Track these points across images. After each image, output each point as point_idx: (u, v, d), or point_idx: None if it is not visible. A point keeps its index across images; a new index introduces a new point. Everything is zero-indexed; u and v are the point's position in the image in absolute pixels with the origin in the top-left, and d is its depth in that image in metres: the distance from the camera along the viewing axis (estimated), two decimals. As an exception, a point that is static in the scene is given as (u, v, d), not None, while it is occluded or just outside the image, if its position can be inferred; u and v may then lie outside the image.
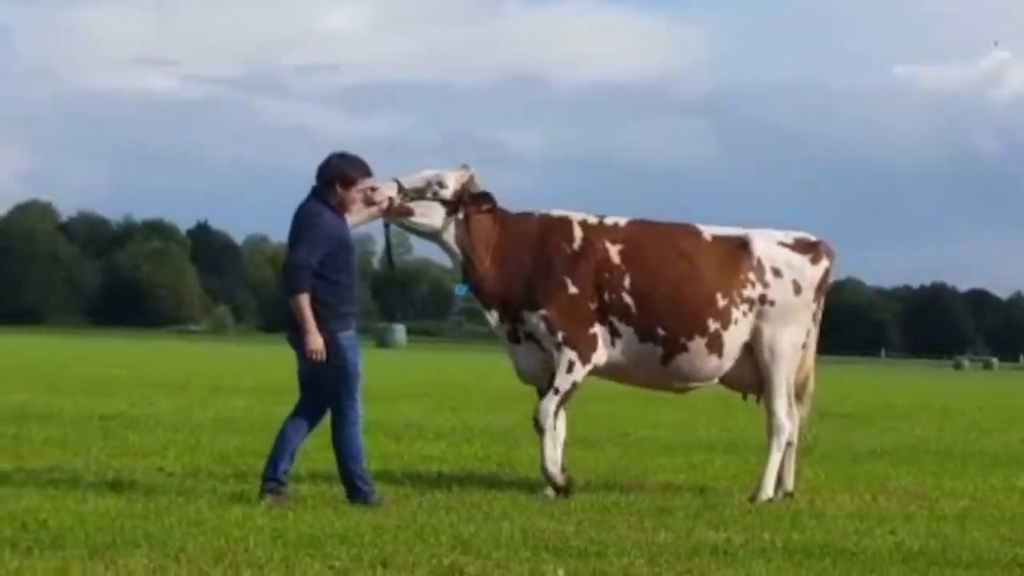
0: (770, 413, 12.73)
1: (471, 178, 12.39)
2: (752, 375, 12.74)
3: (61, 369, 36.51)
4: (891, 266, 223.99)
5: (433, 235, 12.33)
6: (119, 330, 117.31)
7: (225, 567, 8.28)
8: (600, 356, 12.35)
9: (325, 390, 11.25)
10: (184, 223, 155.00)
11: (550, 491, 12.10)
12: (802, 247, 12.94)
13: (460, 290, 12.54)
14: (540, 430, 12.19)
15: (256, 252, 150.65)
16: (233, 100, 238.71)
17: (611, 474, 13.49)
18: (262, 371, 37.80)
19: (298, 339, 11.11)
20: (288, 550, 8.85)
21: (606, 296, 12.35)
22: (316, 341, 11.01)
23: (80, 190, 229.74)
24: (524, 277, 12.32)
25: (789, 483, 12.82)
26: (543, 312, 12.24)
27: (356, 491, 11.17)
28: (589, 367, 12.32)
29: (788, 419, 12.72)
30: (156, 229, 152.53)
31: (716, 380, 12.78)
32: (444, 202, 12.24)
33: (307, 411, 11.39)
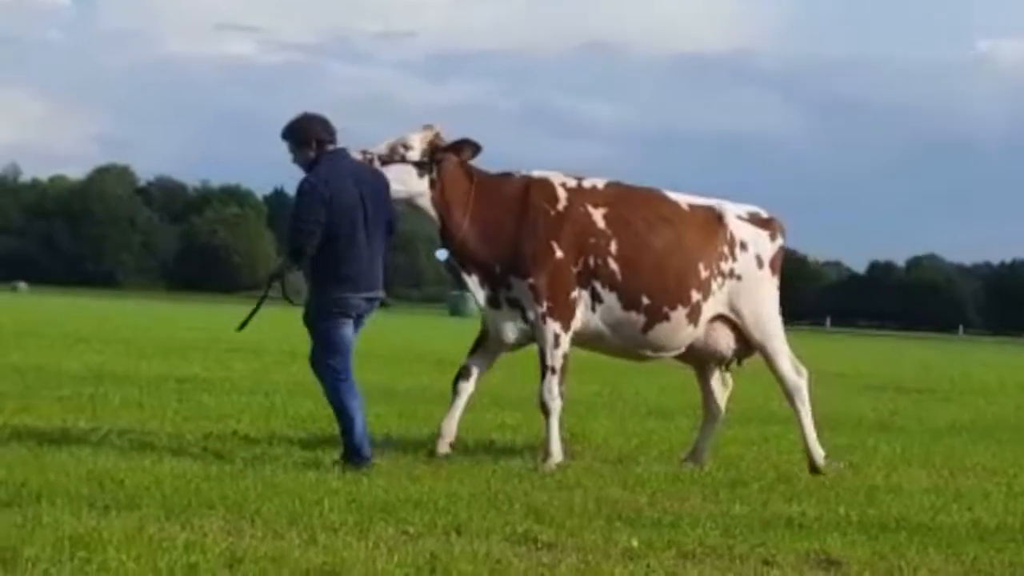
0: (780, 379, 12.59)
1: (437, 135, 12.00)
2: (704, 349, 12.51)
3: (137, 332, 36.79)
4: (971, 242, 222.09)
5: (409, 201, 11.95)
6: (194, 295, 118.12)
7: (300, 529, 8.30)
8: (576, 322, 12.06)
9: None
10: (261, 189, 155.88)
11: (552, 462, 11.80)
12: (759, 222, 12.77)
13: (441, 255, 12.16)
14: (546, 412, 11.94)
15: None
16: (311, 66, 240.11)
17: (684, 445, 13.42)
18: (336, 337, 37.94)
19: None
20: (362, 514, 8.86)
21: (591, 261, 12.04)
22: None
23: (158, 155, 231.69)
24: (508, 241, 11.97)
25: (705, 455, 12.66)
26: (531, 280, 11.93)
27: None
28: (570, 333, 12.01)
29: (799, 376, 12.58)
30: (233, 194, 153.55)
31: (682, 350, 12.52)
32: (415, 164, 11.89)
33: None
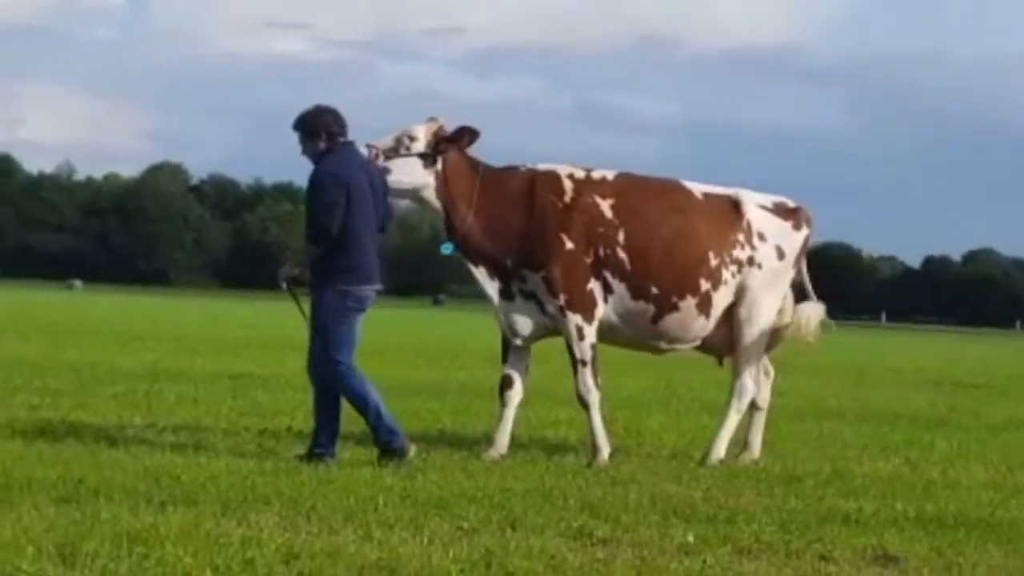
0: (735, 374, 12.39)
1: (441, 127, 11.96)
2: (730, 340, 12.40)
3: (191, 329, 36.96)
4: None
5: (415, 193, 11.93)
6: (246, 292, 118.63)
7: (355, 526, 8.31)
8: (600, 311, 11.98)
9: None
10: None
11: (603, 458, 11.78)
12: (783, 212, 12.63)
13: (446, 249, 12.05)
14: (586, 406, 11.92)
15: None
16: (360, 63, 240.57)
17: (737, 442, 13.35)
18: (386, 334, 37.98)
19: None
20: (417, 510, 8.86)
21: (600, 251, 11.97)
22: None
23: (211, 152, 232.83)
24: (515, 234, 11.92)
25: (756, 451, 12.57)
26: (544, 273, 11.87)
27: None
28: (595, 323, 11.96)
29: (753, 382, 12.39)
30: (285, 192, 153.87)
31: (698, 342, 12.45)
32: (420, 156, 11.85)
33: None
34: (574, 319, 11.90)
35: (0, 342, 26.03)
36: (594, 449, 11.88)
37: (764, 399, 12.67)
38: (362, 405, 11.12)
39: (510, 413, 12.08)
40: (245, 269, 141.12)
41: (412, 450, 11.03)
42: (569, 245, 11.93)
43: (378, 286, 11.30)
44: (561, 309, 11.90)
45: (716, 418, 15.73)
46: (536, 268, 11.92)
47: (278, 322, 43.42)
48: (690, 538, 8.43)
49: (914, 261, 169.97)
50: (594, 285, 11.98)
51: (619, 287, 12.03)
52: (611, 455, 11.83)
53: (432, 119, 12.03)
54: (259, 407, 15.20)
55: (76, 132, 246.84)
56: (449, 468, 10.86)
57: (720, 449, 12.26)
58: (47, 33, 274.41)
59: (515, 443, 12.41)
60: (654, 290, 12.06)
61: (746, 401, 12.37)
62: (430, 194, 11.92)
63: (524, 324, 12.08)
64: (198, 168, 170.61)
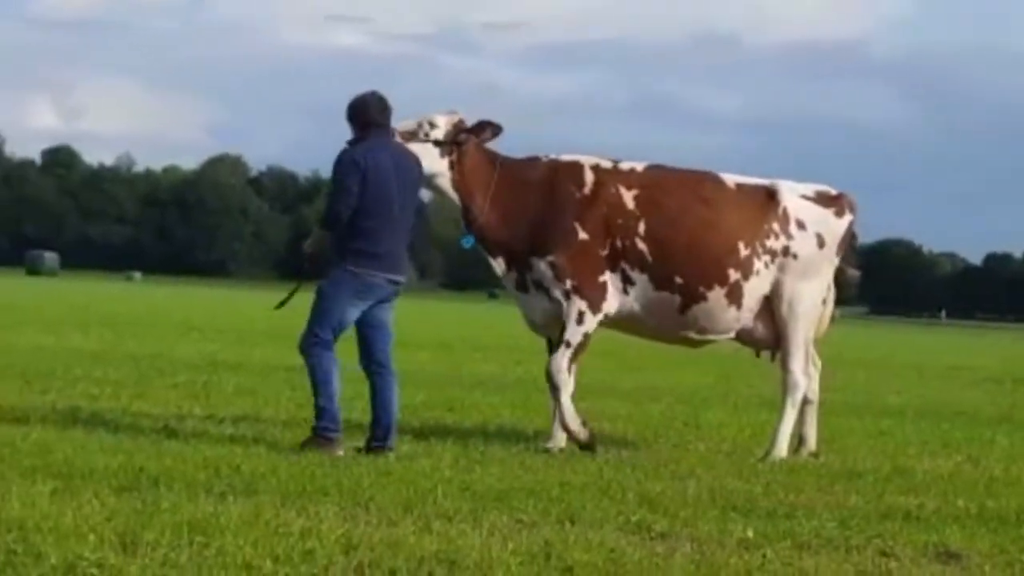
0: (786, 370, 12.26)
1: (461, 121, 11.94)
2: (768, 332, 12.28)
3: (249, 321, 37.10)
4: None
5: (428, 180, 11.83)
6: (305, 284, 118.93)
7: (414, 517, 8.30)
8: (610, 305, 11.90)
9: None
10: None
11: (582, 436, 11.67)
12: (825, 200, 12.48)
13: (467, 243, 12.05)
14: (555, 387, 11.79)
15: (442, 210, 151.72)
16: (421, 57, 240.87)
17: (795, 435, 13.28)
18: (446, 327, 38.09)
19: None
20: (476, 503, 8.86)
21: (618, 243, 11.89)
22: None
23: (270, 145, 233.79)
24: (530, 222, 11.86)
25: (812, 443, 12.48)
26: (551, 258, 11.80)
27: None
28: (600, 316, 11.87)
29: (804, 376, 12.26)
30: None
31: (733, 334, 12.32)
32: (437, 143, 11.83)
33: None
34: (579, 304, 11.81)
35: (61, 333, 26.22)
36: (565, 430, 11.78)
37: (814, 391, 12.57)
38: (321, 384, 11.11)
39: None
40: (303, 261, 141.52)
41: (341, 452, 10.91)
42: (583, 236, 11.87)
43: (395, 276, 11.16)
44: (567, 293, 11.81)
45: (775, 413, 15.73)
46: (543, 254, 11.86)
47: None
48: (750, 533, 8.39)
49: (975, 258, 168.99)
50: (608, 277, 11.91)
51: (640, 278, 11.94)
52: (589, 444, 11.68)
53: (453, 111, 12.03)
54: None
55: (136, 124, 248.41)
56: (508, 461, 10.86)
57: (782, 447, 12.20)
58: (109, 25, 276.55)
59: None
60: (678, 280, 11.97)
61: (799, 396, 12.28)
62: (444, 183, 11.90)
63: (539, 315, 12.07)
64: (257, 161, 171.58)
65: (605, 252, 11.90)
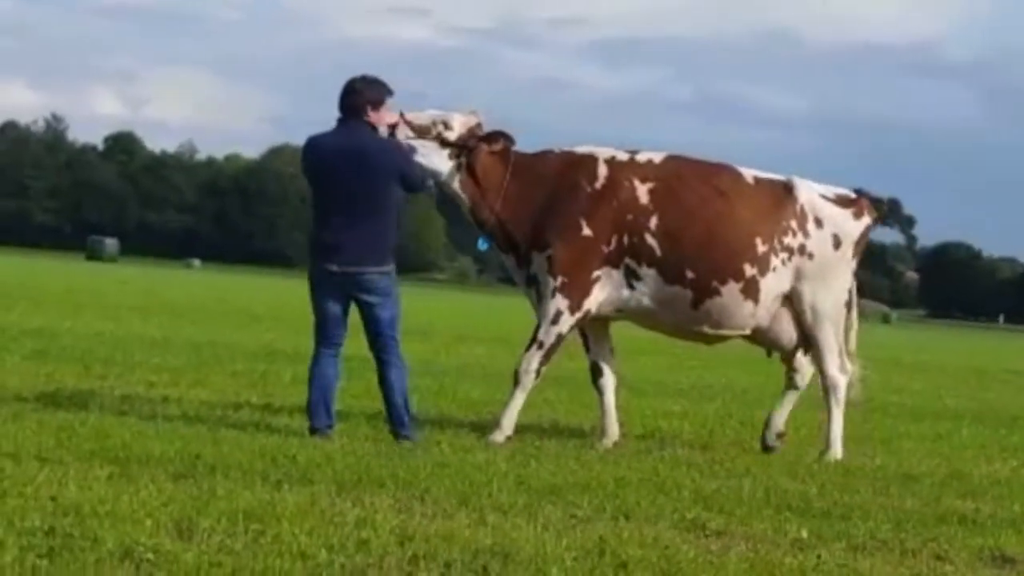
0: (822, 374, 12.22)
1: (478, 124, 11.83)
2: (780, 332, 12.20)
3: (307, 311, 37.12)
4: None
5: (435, 179, 11.80)
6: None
7: (469, 510, 8.32)
8: (595, 301, 11.76)
9: None
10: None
11: (499, 436, 11.54)
12: (843, 201, 12.38)
13: (483, 245, 12.04)
14: (517, 383, 11.70)
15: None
16: (482, 51, 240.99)
17: (854, 438, 13.25)
18: (503, 321, 38.08)
19: None
20: (531, 497, 8.87)
21: (626, 239, 11.76)
22: None
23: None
24: (535, 217, 11.77)
25: (780, 424, 12.47)
26: (549, 252, 11.70)
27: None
28: (579, 315, 11.74)
29: (842, 374, 12.22)
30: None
31: (748, 331, 12.18)
32: (448, 144, 11.72)
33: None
34: (559, 303, 11.71)
35: (120, 319, 26.38)
36: (497, 424, 11.69)
37: (805, 381, 12.52)
38: (309, 379, 11.36)
39: (609, 399, 12.08)
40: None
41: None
42: (586, 232, 11.78)
43: (350, 268, 11.08)
44: (553, 290, 11.72)
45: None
46: (543, 248, 11.79)
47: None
48: (804, 533, 8.37)
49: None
50: (602, 273, 11.78)
51: (648, 272, 11.81)
52: (508, 440, 11.57)
53: (472, 112, 11.95)
54: (372, 390, 15.12)
55: (200, 113, 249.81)
56: (563, 456, 10.86)
57: (837, 448, 12.16)
58: (175, 14, 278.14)
59: (629, 433, 12.40)
60: (690, 274, 11.85)
61: (841, 394, 12.26)
62: (451, 183, 11.81)
63: None
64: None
65: (609, 248, 11.80)
